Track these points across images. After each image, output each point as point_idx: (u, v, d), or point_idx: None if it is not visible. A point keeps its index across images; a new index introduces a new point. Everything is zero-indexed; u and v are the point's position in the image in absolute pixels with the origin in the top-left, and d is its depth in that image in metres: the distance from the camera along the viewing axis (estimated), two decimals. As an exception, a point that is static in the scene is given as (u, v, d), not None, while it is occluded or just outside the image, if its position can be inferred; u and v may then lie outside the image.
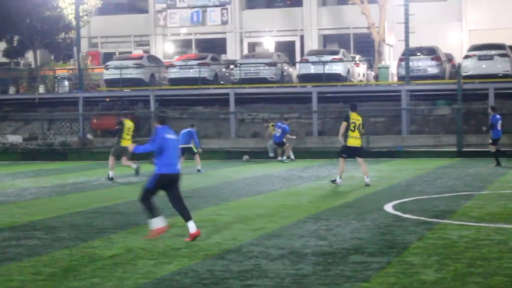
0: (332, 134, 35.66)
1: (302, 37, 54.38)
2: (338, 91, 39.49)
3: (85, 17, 48.86)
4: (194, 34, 56.16)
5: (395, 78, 42.84)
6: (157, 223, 12.03)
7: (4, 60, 52.95)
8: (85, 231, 13.38)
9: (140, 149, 12.51)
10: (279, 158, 32.10)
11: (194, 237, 11.94)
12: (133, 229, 13.50)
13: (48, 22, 47.86)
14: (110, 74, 42.10)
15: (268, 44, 54.15)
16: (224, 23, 55.15)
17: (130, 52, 52.08)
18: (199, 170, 26.39)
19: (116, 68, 41.87)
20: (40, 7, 46.86)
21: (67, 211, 16.28)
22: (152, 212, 12.03)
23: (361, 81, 42.57)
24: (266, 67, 41.02)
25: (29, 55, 51.78)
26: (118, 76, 41.35)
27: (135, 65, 41.83)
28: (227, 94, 39.40)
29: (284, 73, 42.04)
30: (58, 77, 45.13)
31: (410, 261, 10.24)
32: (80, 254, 11.13)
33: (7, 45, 50.44)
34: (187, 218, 12.08)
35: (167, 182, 12.05)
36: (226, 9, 55.00)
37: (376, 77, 43.86)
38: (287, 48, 53.05)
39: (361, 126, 20.63)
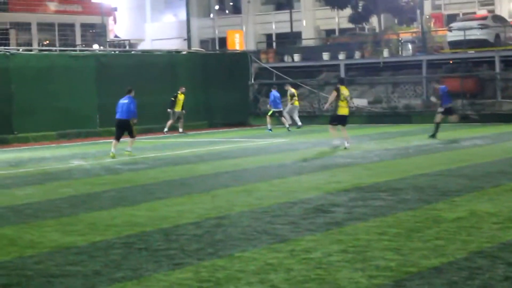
0: None
1: None
2: None
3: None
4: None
5: None
6: None
7: (349, 25, 54.34)
8: (428, 193, 13.46)
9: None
10: None
11: None
12: (478, 192, 13.34)
13: (392, -14, 48.26)
14: (454, 35, 41.47)
15: None
16: None
17: (474, 13, 50.90)
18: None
19: (459, 29, 41.17)
20: (383, -28, 47.38)
21: (411, 173, 16.46)
22: None
23: None
24: None
25: (373, 20, 52.61)
26: (462, 38, 40.66)
27: (479, 26, 40.86)
28: None
29: None
30: (402, 41, 45.43)
31: None
32: (424, 216, 11.23)
33: (352, 11, 51.66)
34: None
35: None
36: None
37: None
38: None
39: (348, 97, 23.52)
